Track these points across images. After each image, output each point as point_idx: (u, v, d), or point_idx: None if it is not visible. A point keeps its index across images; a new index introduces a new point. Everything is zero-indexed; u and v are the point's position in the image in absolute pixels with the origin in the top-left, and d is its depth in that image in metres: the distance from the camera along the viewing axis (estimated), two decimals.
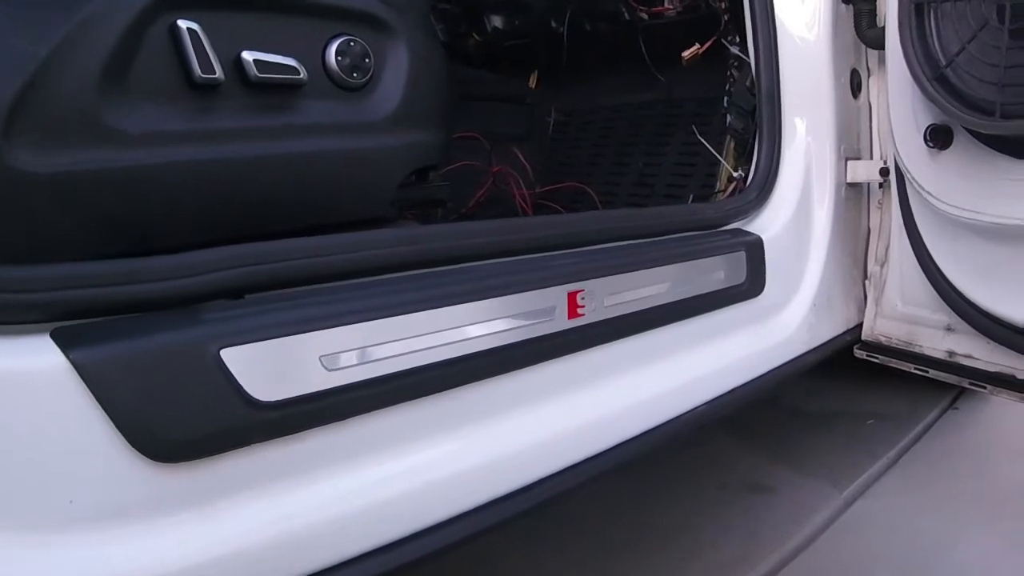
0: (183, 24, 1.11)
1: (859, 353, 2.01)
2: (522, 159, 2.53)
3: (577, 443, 1.23)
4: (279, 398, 0.87)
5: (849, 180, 1.95)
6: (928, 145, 1.62)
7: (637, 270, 1.30)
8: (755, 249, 1.59)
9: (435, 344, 1.01)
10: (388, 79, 1.38)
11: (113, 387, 0.77)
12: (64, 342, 0.77)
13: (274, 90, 1.23)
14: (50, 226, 1.05)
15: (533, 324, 1.13)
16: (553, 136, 2.77)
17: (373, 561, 0.96)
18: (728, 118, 2.00)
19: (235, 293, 0.91)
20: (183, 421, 0.81)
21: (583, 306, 1.19)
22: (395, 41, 1.39)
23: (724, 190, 1.97)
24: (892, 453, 2.17)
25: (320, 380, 0.90)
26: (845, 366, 2.07)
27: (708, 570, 1.66)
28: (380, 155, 1.38)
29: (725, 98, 2.02)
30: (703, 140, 2.03)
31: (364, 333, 0.94)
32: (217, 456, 0.85)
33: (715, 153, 1.98)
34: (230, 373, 0.83)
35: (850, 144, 1.96)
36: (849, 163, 1.95)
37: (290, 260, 0.93)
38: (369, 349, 0.94)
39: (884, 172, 1.91)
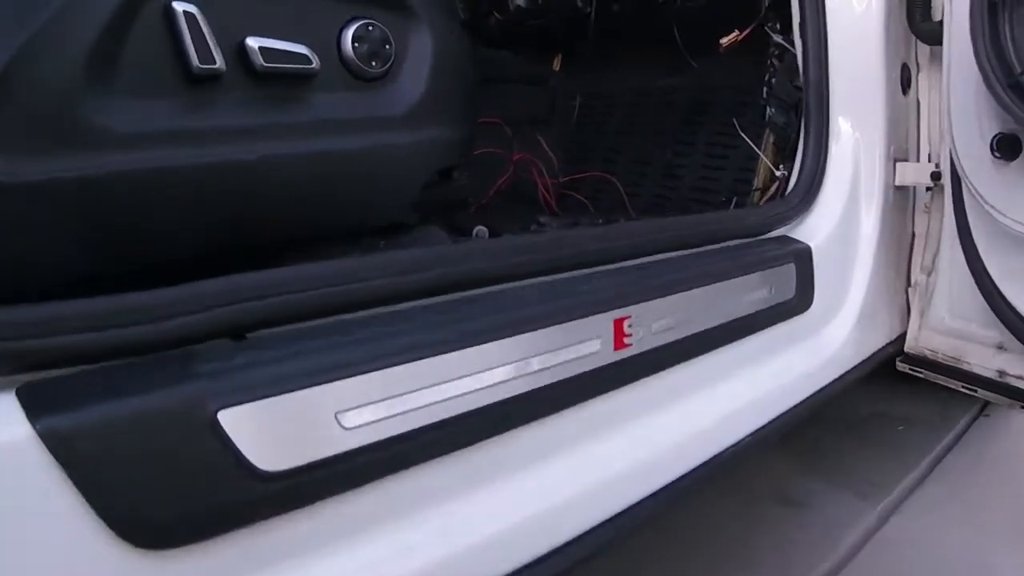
0: (179, 7, 0.96)
1: (901, 366, 1.89)
2: (546, 147, 2.38)
3: (628, 486, 1.11)
4: (288, 467, 0.74)
5: (897, 183, 1.82)
6: (994, 155, 1.49)
7: (686, 290, 1.17)
8: (804, 260, 1.46)
9: (467, 390, 0.88)
10: (410, 68, 1.24)
11: (88, 461, 0.64)
12: (30, 404, 0.63)
13: (282, 81, 1.09)
14: (31, 242, 0.92)
15: (577, 360, 0.99)
16: (577, 121, 2.61)
17: None
18: (768, 111, 1.85)
19: (236, 333, 0.77)
20: (174, 500, 0.68)
21: (630, 335, 1.06)
22: (417, 26, 1.24)
23: (764, 188, 1.83)
24: (924, 464, 2.08)
25: (337, 442, 0.77)
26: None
27: None
28: (401, 153, 1.24)
29: (765, 89, 1.88)
30: (743, 135, 1.89)
31: (386, 382, 0.81)
32: (216, 539, 0.72)
33: (756, 149, 1.84)
34: (229, 440, 0.69)
35: (899, 144, 1.82)
36: (898, 165, 1.82)
37: (298, 292, 0.79)
38: (392, 401, 0.81)
39: (936, 176, 1.78)
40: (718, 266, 1.27)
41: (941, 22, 1.63)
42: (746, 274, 1.30)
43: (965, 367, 1.78)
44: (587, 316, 1.01)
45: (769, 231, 1.48)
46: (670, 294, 1.14)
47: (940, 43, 1.64)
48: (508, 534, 0.95)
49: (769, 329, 1.39)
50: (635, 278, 1.14)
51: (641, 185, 2.34)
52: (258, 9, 1.05)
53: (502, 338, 0.91)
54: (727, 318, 1.26)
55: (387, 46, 1.20)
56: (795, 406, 1.43)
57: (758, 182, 1.88)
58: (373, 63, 1.19)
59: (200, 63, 0.98)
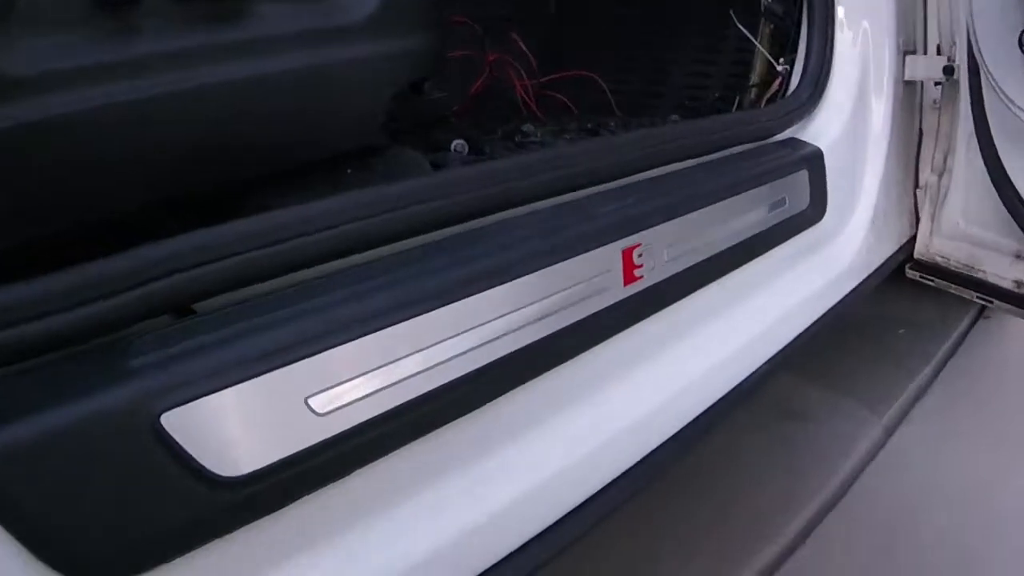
0: None
1: (911, 273, 1.79)
2: (522, 46, 2.16)
3: (650, 430, 1.01)
4: (254, 469, 0.60)
5: (907, 77, 1.68)
6: (1022, 52, 1.36)
7: (698, 208, 1.03)
8: (817, 164, 1.33)
9: (460, 351, 0.74)
10: None
11: (7, 489, 0.51)
12: None
13: None
14: None
15: (584, 301, 0.86)
16: (554, 17, 2.38)
17: None
18: None
19: (180, 307, 0.62)
20: (118, 525, 0.56)
21: (641, 266, 0.92)
22: None
23: (763, 84, 1.67)
24: (928, 369, 1.97)
25: (310, 432, 0.63)
26: None
27: (751, 518, 1.46)
28: (362, 68, 1.06)
29: None
30: (740, 26, 1.71)
31: (363, 353, 0.67)
32: (173, 563, 0.59)
33: (754, 41, 1.67)
34: (177, 446, 0.56)
35: (907, 35, 1.68)
36: (907, 57, 1.68)
37: (247, 251, 0.65)
38: (372, 375, 0.67)
39: (949, 71, 1.64)
40: (729, 177, 1.13)
41: None
42: (759, 185, 1.17)
43: (980, 276, 1.68)
44: (592, 249, 0.88)
45: (777, 133, 1.34)
46: (681, 214, 1.01)
47: None
48: (524, 502, 0.85)
49: (784, 244, 1.26)
50: (641, 198, 1.00)
51: (627, 83, 2.15)
52: None
53: (495, 286, 0.78)
54: (742, 236, 1.13)
55: None
56: (815, 322, 1.33)
57: (755, 77, 1.72)
58: None
59: None
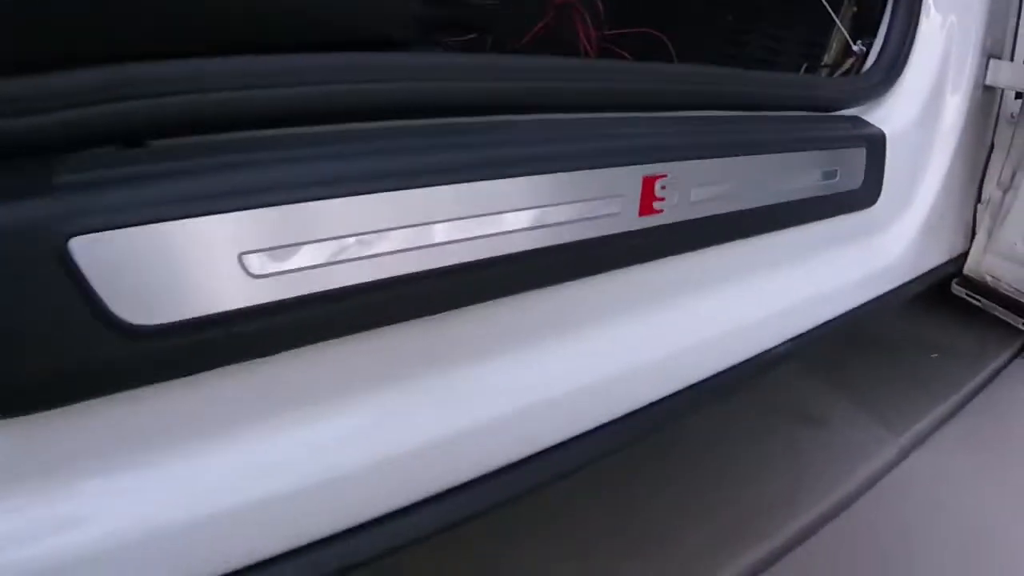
0: None
1: (957, 290, 1.71)
2: None
3: (634, 386, 0.91)
4: (164, 321, 0.53)
5: (987, 82, 1.58)
6: None
7: (738, 155, 0.93)
8: (877, 146, 1.22)
9: (432, 241, 0.65)
10: None
11: None
12: None
13: None
14: None
15: (588, 221, 0.77)
16: None
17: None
18: None
19: (131, 137, 0.55)
20: (5, 356, 0.49)
21: (662, 199, 0.83)
22: None
23: (835, 66, 1.56)
24: (956, 398, 1.89)
25: (239, 293, 0.56)
26: None
27: (746, 513, 1.42)
28: None
29: None
30: (824, 1, 1.60)
31: (321, 218, 0.59)
32: (62, 409, 0.52)
33: (835, 19, 1.56)
34: (83, 278, 0.49)
35: (995, 38, 1.57)
36: (992, 61, 1.57)
37: (219, 89, 0.57)
38: (328, 244, 0.59)
39: None
40: (780, 133, 1.04)
41: None
42: (810, 149, 1.07)
43: None
44: (610, 166, 0.78)
45: (841, 108, 1.24)
46: (718, 157, 0.91)
47: None
48: (461, 438, 0.76)
49: (826, 220, 1.17)
50: (678, 131, 0.90)
51: (696, 49, 2.04)
52: None
53: (487, 179, 0.69)
54: (781, 198, 1.03)
55: None
56: (843, 314, 1.23)
57: (828, 58, 1.61)
58: None
59: None
